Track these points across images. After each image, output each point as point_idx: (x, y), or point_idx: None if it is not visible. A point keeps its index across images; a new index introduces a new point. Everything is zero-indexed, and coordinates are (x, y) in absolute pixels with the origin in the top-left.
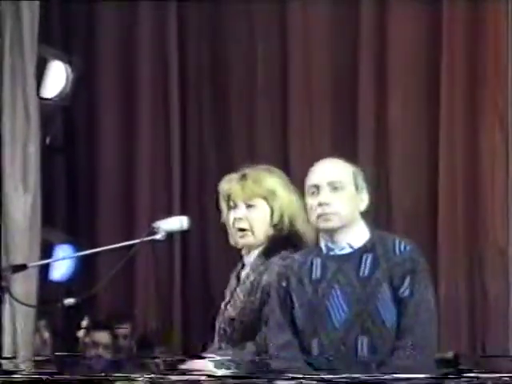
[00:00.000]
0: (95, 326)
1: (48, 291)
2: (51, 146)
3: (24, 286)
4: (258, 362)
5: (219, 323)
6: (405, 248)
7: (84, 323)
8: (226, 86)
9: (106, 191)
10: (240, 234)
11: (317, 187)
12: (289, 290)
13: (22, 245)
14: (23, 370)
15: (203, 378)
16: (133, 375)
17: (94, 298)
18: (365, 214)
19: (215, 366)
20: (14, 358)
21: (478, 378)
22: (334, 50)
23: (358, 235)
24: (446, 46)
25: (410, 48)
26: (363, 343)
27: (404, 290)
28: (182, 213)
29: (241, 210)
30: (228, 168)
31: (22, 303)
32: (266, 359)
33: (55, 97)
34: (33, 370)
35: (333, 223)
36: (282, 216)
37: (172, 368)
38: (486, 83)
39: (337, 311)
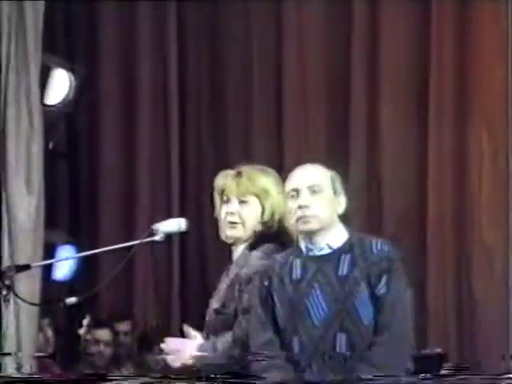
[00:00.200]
0: (96, 323)
1: (51, 290)
2: (54, 150)
3: (28, 285)
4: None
5: (207, 315)
6: (382, 247)
7: (85, 321)
8: (224, 86)
9: (106, 194)
10: (230, 225)
11: (296, 191)
12: (270, 290)
13: (26, 245)
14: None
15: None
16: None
17: (96, 297)
18: (355, 214)
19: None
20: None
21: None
22: (328, 48)
23: (336, 236)
24: (435, 47)
25: (403, 48)
26: (342, 340)
27: (381, 288)
28: (181, 213)
29: (233, 205)
30: (225, 168)
31: (26, 302)
32: (246, 354)
33: (58, 103)
34: None
35: (312, 225)
36: (272, 214)
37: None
38: (474, 84)
39: (316, 310)
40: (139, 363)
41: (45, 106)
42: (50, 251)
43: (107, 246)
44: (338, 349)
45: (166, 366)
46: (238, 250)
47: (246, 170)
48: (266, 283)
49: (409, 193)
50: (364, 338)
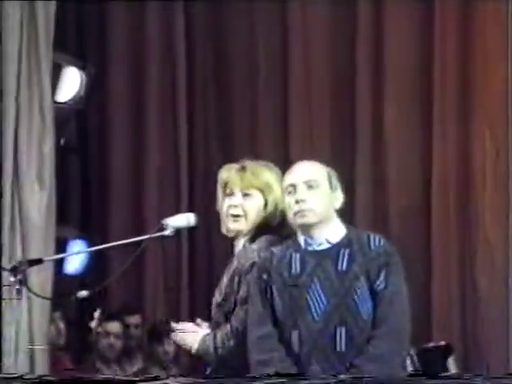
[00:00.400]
0: (107, 316)
1: (62, 284)
2: (65, 147)
3: (40, 279)
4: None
5: (212, 309)
6: (379, 243)
7: (96, 314)
8: (230, 85)
9: (117, 190)
10: (233, 219)
11: (293, 186)
12: (269, 283)
13: (38, 240)
14: None
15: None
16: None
17: (106, 291)
18: (361, 212)
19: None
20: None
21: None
22: (333, 48)
23: (334, 231)
24: (438, 46)
25: (407, 48)
26: (341, 333)
27: (380, 283)
28: (189, 210)
29: (237, 198)
30: None
31: (38, 295)
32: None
33: (69, 101)
34: None
35: (309, 219)
36: (275, 209)
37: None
38: (477, 82)
39: (316, 304)
40: (149, 355)
41: (56, 103)
42: (61, 246)
43: (117, 241)
44: (337, 342)
45: (175, 358)
46: (239, 244)
47: (250, 164)
48: (265, 277)
49: (413, 191)
50: (363, 332)
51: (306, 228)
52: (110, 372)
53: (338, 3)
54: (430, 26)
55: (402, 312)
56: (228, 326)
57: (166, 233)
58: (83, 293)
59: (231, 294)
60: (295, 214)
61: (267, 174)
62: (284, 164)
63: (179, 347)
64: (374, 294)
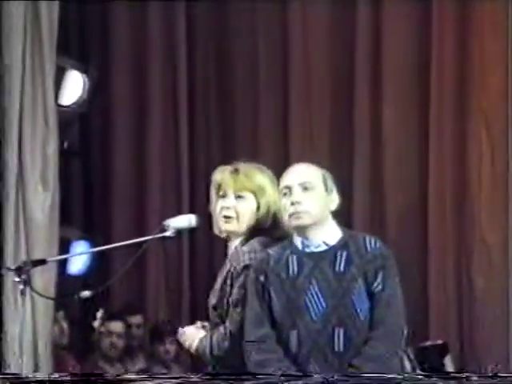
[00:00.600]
0: (110, 316)
1: (66, 284)
2: (69, 149)
3: (43, 279)
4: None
5: (209, 311)
6: (375, 245)
7: (99, 314)
8: (230, 86)
9: (119, 192)
10: (225, 220)
11: (289, 188)
12: (266, 285)
13: (42, 241)
14: None
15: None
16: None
17: (109, 291)
18: (358, 213)
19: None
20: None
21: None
22: (332, 49)
23: (330, 233)
24: (435, 46)
25: (405, 49)
26: (340, 334)
27: (377, 285)
28: (191, 211)
29: (230, 200)
30: None
31: (42, 295)
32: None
33: (72, 104)
34: None
35: (304, 220)
36: (267, 212)
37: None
38: (474, 83)
39: (315, 305)
40: (151, 354)
41: (59, 106)
42: (64, 247)
43: (120, 242)
44: (335, 343)
45: (176, 357)
46: (232, 246)
47: (243, 166)
48: (261, 278)
49: (410, 192)
50: (360, 333)
51: (302, 230)
52: (112, 371)
53: (337, 4)
54: (428, 26)
55: (398, 314)
56: (222, 328)
57: (168, 234)
58: (86, 293)
59: (224, 296)
60: (290, 215)
61: (260, 176)
62: (284, 164)
63: (181, 347)
64: (370, 295)
